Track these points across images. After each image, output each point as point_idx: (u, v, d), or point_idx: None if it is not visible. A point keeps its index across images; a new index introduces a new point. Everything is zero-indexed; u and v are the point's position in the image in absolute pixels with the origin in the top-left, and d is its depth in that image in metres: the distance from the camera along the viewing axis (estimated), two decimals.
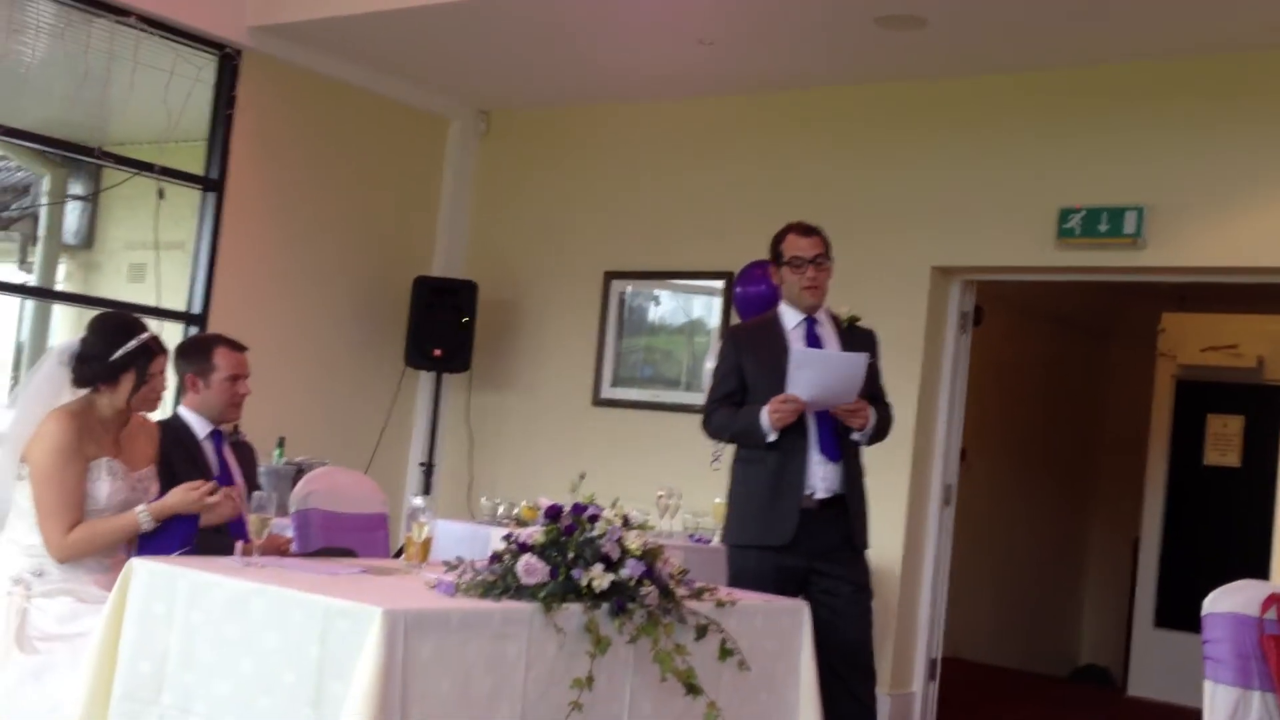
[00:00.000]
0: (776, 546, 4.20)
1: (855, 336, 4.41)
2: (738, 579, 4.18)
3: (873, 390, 4.37)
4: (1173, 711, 7.59)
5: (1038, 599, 9.39)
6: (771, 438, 4.19)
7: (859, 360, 4.19)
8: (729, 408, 4.35)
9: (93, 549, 3.59)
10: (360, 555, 4.25)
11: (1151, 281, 6.66)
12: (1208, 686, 3.86)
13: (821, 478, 4.25)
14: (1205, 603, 3.93)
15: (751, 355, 4.35)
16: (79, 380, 3.69)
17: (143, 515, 3.62)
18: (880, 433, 4.40)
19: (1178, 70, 5.97)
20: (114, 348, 3.68)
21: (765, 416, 4.18)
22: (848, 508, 4.29)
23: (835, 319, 4.44)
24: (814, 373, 4.14)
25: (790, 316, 4.39)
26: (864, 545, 4.37)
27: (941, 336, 6.56)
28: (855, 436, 4.31)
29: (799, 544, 4.20)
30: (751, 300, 6.29)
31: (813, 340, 4.34)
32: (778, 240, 4.41)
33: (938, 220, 6.45)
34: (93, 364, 3.67)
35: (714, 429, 4.42)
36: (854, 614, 4.26)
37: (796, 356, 4.16)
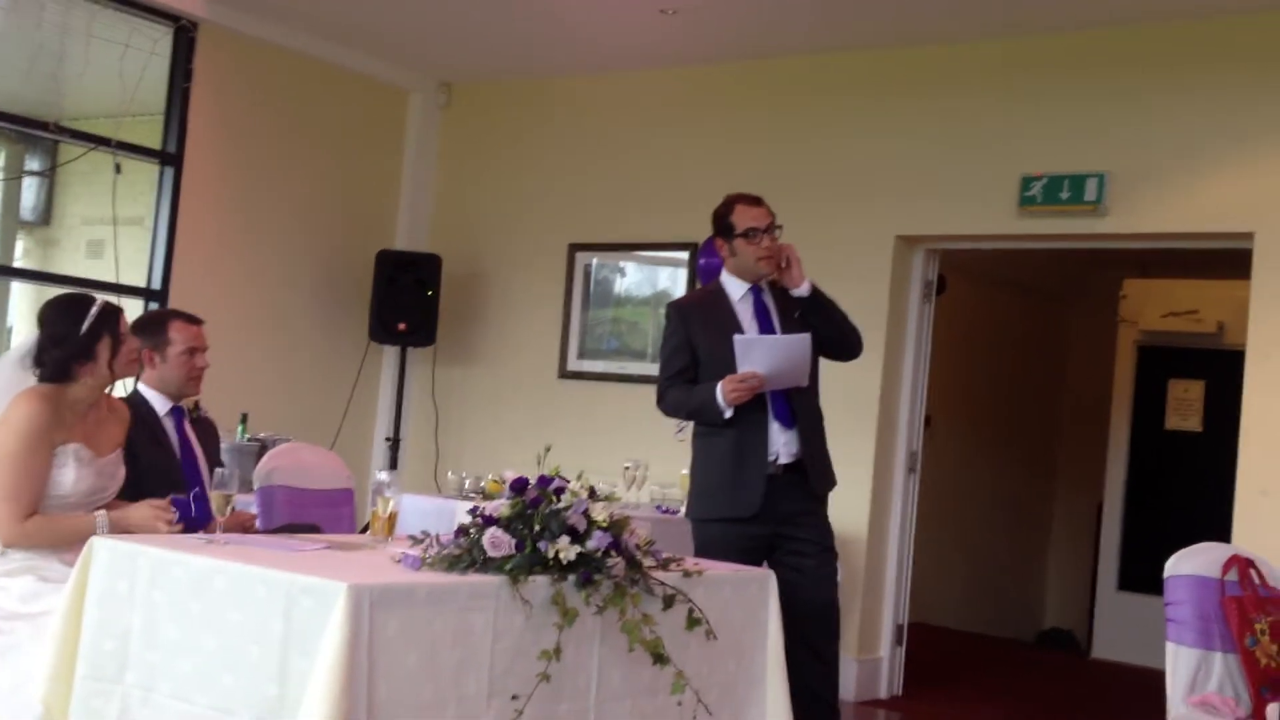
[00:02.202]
0: (743, 518, 4.21)
1: (789, 295, 4.35)
2: (703, 552, 4.18)
3: (834, 313, 4.37)
4: (1136, 673, 7.68)
5: (1002, 564, 9.47)
6: (728, 414, 4.18)
7: (802, 341, 4.18)
8: (683, 385, 4.32)
9: (45, 544, 3.52)
10: (325, 531, 4.24)
11: (1113, 248, 6.70)
12: (1170, 648, 3.91)
13: (783, 444, 4.26)
14: (1167, 565, 3.98)
15: (701, 330, 4.32)
16: (54, 371, 3.58)
17: (101, 521, 3.53)
18: (842, 327, 4.36)
19: (1138, 37, 5.99)
20: (79, 322, 3.61)
21: (721, 394, 4.17)
22: (808, 470, 4.30)
23: (774, 284, 4.41)
24: (760, 357, 4.13)
25: (735, 287, 4.37)
26: (827, 491, 4.38)
27: (905, 305, 6.59)
28: (795, 292, 4.26)
29: (764, 512, 4.22)
30: (716, 271, 6.27)
31: (761, 311, 4.33)
32: (725, 213, 4.36)
33: (900, 189, 6.46)
34: (65, 345, 3.58)
35: (669, 407, 4.39)
36: (822, 575, 4.29)
37: (740, 345, 4.14)
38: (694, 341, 4.32)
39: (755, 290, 4.36)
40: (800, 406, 4.29)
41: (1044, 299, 9.61)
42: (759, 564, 4.14)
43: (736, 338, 4.16)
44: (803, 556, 4.26)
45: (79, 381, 3.62)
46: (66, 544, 3.51)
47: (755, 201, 4.36)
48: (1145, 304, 8.70)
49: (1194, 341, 8.50)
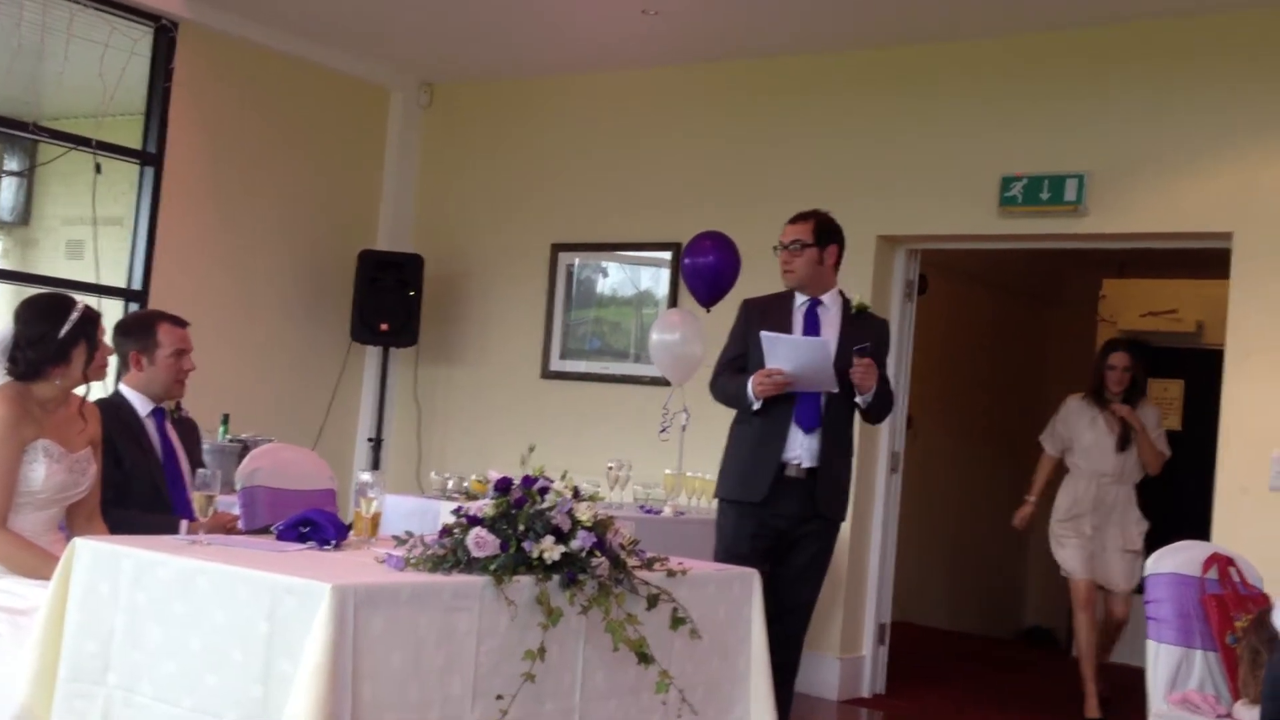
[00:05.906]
0: (754, 503, 4.53)
1: (861, 324, 4.68)
2: (721, 529, 4.66)
3: (883, 401, 4.69)
4: (1117, 671, 7.71)
5: (984, 563, 9.48)
6: (756, 406, 4.54)
7: (820, 345, 4.48)
8: (732, 373, 4.70)
9: (7, 563, 3.48)
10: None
11: (1092, 248, 6.73)
12: (1150, 646, 3.93)
13: (804, 447, 4.55)
14: (1147, 564, 4.00)
15: (758, 327, 4.62)
16: (26, 370, 3.57)
17: None
18: (882, 405, 4.68)
19: (1118, 37, 6.01)
20: (58, 325, 3.60)
21: (750, 386, 4.53)
22: (816, 482, 4.56)
23: (847, 304, 4.72)
24: (783, 355, 4.45)
25: (800, 296, 4.71)
26: (835, 516, 4.68)
27: (887, 305, 6.60)
28: (858, 399, 4.57)
29: (778, 505, 4.52)
30: (699, 271, 6.29)
31: (810, 320, 4.65)
32: None
33: (882, 189, 6.47)
34: (40, 347, 3.57)
35: (716, 391, 4.79)
36: (814, 575, 4.66)
37: (765, 341, 4.48)
38: (749, 337, 4.67)
39: (813, 303, 4.69)
40: (830, 421, 4.58)
41: (1024, 299, 9.63)
42: (765, 551, 4.45)
43: (762, 334, 4.51)
44: (803, 555, 4.60)
45: (48, 381, 3.61)
46: (27, 574, 3.46)
47: (792, 220, 4.75)
48: (1125, 303, 8.74)
49: (1173, 340, 8.54)
